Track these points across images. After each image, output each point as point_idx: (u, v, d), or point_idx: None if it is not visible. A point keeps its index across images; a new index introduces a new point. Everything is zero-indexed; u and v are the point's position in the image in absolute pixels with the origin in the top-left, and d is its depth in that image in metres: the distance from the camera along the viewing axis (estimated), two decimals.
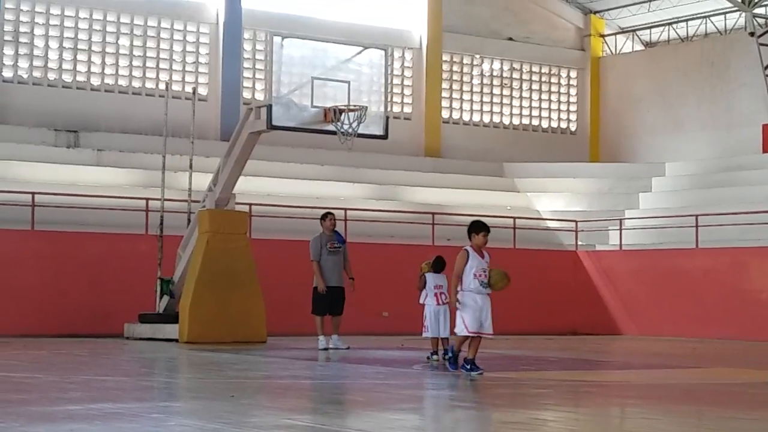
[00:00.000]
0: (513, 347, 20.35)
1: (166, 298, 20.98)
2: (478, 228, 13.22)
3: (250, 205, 23.34)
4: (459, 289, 12.95)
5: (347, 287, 18.70)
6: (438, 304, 15.59)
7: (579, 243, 28.38)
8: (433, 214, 26.78)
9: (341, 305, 18.67)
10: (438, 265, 15.85)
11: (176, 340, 19.90)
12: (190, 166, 21.80)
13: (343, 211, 24.99)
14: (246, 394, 11.19)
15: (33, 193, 22.48)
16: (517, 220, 27.70)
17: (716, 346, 21.98)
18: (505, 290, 27.71)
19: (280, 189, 27.12)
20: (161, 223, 21.50)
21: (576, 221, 28.65)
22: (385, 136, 19.65)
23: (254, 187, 25.75)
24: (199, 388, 11.93)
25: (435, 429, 8.82)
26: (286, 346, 19.15)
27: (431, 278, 15.69)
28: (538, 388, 12.20)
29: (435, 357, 15.56)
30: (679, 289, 25.94)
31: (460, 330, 12.96)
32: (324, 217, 18.94)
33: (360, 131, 18.87)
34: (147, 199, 23.10)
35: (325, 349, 18.22)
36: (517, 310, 26.17)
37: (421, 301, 15.73)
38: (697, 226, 25.84)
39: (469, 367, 12.99)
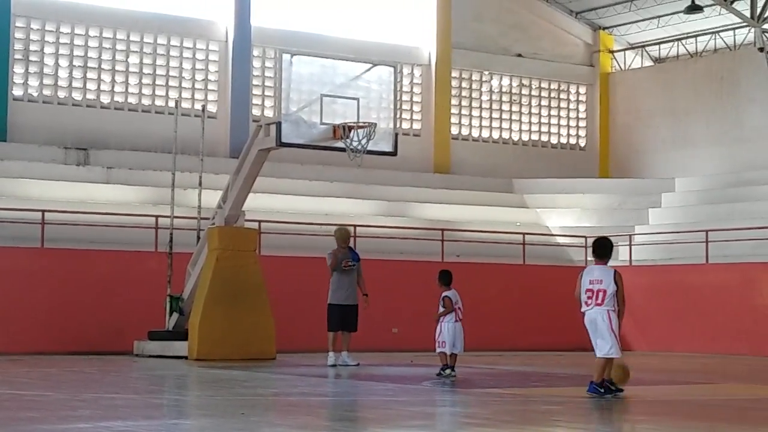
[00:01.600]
0: (523, 363, 20.31)
1: (175, 315, 20.98)
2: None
3: (260, 222, 23.35)
4: (613, 309, 12.38)
5: (361, 304, 18.74)
6: (455, 320, 15.66)
7: (589, 259, 28.28)
8: (443, 230, 26.77)
9: (355, 322, 18.72)
10: (443, 278, 15.87)
11: (186, 357, 19.89)
12: (200, 184, 21.83)
13: (352, 228, 24.99)
14: (256, 411, 11.18)
15: (43, 211, 22.52)
16: (526, 236, 27.67)
17: (727, 361, 21.91)
18: (515, 307, 27.76)
19: (289, 206, 27.13)
20: (171, 241, 21.51)
21: (586, 237, 28.58)
22: (394, 153, 19.69)
23: (263, 204, 25.76)
24: (208, 406, 11.91)
25: None
26: (296, 363, 19.14)
27: (453, 296, 15.74)
28: (548, 404, 12.16)
29: (447, 371, 15.61)
30: (690, 305, 25.88)
31: (617, 351, 12.39)
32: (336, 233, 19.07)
33: (369, 148, 18.89)
34: (157, 217, 23.12)
35: (334, 365, 18.23)
36: (526, 326, 26.16)
37: (439, 318, 15.71)
38: (707, 242, 25.79)
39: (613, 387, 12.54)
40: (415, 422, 10.25)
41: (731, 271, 25.42)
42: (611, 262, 12.79)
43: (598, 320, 12.33)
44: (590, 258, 28.03)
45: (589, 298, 12.40)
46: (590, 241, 28.08)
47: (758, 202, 28.46)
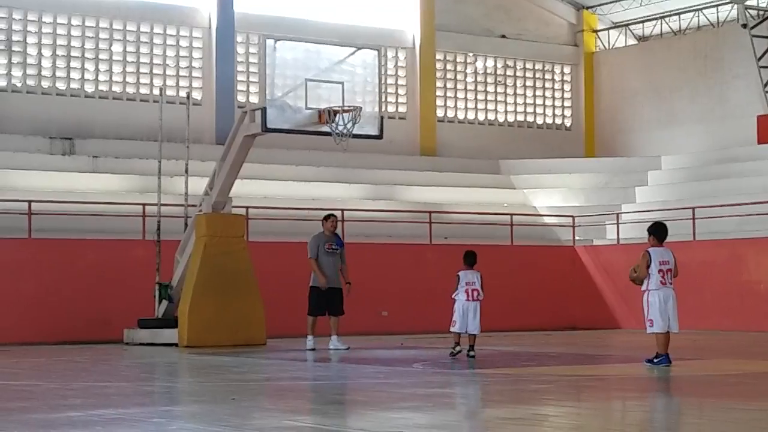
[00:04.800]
0: (513, 343, 20.37)
1: (164, 303, 20.97)
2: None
3: (247, 208, 23.34)
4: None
5: (344, 289, 18.78)
6: (468, 299, 15.62)
7: (576, 238, 28.40)
8: (430, 212, 26.79)
9: (340, 306, 18.77)
10: (469, 259, 15.89)
11: (176, 345, 19.90)
12: (186, 171, 21.79)
13: (340, 212, 24.99)
14: (247, 396, 11.21)
15: (29, 201, 22.47)
16: (514, 216, 27.70)
17: (715, 337, 22.01)
18: (504, 287, 27.77)
19: (276, 191, 27.12)
20: (158, 228, 21.49)
21: (573, 216, 28.67)
22: (380, 136, 19.70)
23: (251, 190, 25.75)
24: (199, 392, 11.94)
25: (436, 427, 8.83)
26: (286, 348, 19.17)
27: (463, 275, 15.75)
28: (538, 383, 12.21)
29: (458, 349, 15.63)
30: (677, 282, 25.81)
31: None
32: (326, 218, 19.04)
33: (355, 132, 18.90)
34: (144, 205, 23.09)
35: (313, 349, 18.24)
36: (516, 306, 26.22)
37: (453, 296, 15.77)
38: (693, 219, 25.86)
39: (656, 360, 13.84)
40: (405, 404, 10.29)
41: (718, 247, 25.49)
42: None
43: (672, 299, 13.87)
44: (578, 238, 28.30)
45: (662, 277, 13.80)
46: (578, 220, 28.42)
47: (744, 178, 28.51)
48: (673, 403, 10.25)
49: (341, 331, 18.92)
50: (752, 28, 31.16)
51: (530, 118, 34.84)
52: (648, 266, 13.83)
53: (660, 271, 13.82)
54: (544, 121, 35.06)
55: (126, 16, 28.84)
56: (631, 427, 8.84)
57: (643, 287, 13.96)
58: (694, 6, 33.65)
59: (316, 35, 26.33)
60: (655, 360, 13.86)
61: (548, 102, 35.19)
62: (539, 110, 35.02)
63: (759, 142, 30.63)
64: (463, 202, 29.22)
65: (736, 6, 31.70)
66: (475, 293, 15.68)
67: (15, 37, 27.66)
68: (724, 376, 13.26)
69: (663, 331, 13.83)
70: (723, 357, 16.62)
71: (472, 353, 15.63)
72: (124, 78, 28.78)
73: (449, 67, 33.72)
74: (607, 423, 9.18)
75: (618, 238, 27.61)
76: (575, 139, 35.20)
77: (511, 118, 34.54)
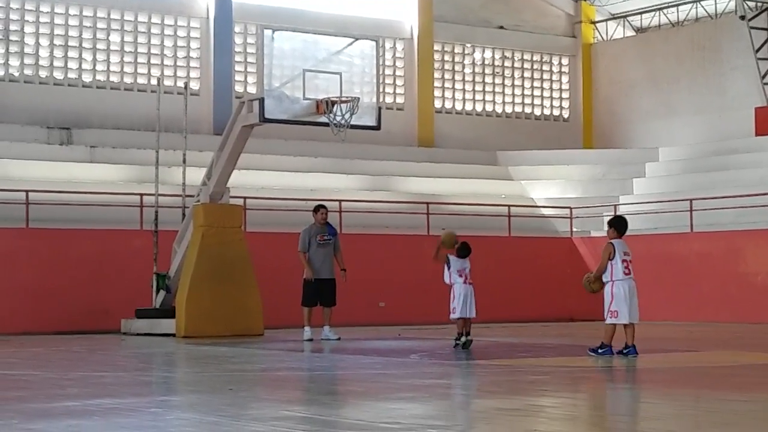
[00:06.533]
0: (510, 334, 20.39)
1: (162, 293, 20.98)
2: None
3: (245, 198, 23.33)
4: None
5: (339, 278, 18.77)
6: (465, 283, 15.63)
7: (574, 230, 28.40)
8: (428, 203, 26.80)
9: (332, 297, 18.76)
10: (462, 251, 15.85)
11: (173, 335, 19.91)
12: (184, 161, 21.79)
13: (337, 203, 25.00)
14: (244, 386, 11.22)
15: (27, 191, 22.46)
16: (511, 208, 27.72)
17: (712, 329, 22.03)
18: (502, 278, 27.78)
19: (274, 182, 27.11)
20: (156, 219, 21.49)
21: (570, 208, 28.68)
22: (377, 127, 19.69)
23: (248, 180, 25.74)
24: (197, 382, 11.95)
25: (433, 417, 8.84)
26: (283, 339, 19.19)
27: (455, 262, 15.72)
28: (535, 374, 12.23)
29: (464, 339, 15.58)
30: (675, 274, 25.97)
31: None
32: (316, 210, 19.02)
33: (353, 122, 18.90)
34: (141, 195, 23.09)
35: (310, 339, 18.28)
36: (513, 297, 26.25)
37: (447, 281, 15.71)
38: (691, 211, 25.88)
39: (626, 351, 13.92)
40: (402, 395, 10.30)
41: (715, 239, 25.52)
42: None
43: (635, 290, 14.04)
44: (575, 229, 28.29)
45: (626, 268, 13.98)
46: (576, 212, 28.42)
47: (741, 170, 28.54)
48: (670, 394, 10.27)
49: (337, 321, 18.95)
50: (750, 19, 31.17)
51: (528, 110, 34.84)
52: (611, 258, 14.00)
53: (623, 261, 14.03)
54: (542, 113, 35.05)
55: (124, 5, 28.79)
56: (626, 417, 8.86)
57: (606, 278, 13.99)
58: None
59: (314, 25, 26.31)
60: (600, 350, 13.97)
61: (546, 93, 35.19)
62: (537, 101, 35.01)
63: (757, 134, 30.65)
64: (460, 193, 29.23)
65: None
66: (468, 277, 15.77)
67: (13, 27, 27.62)
68: (720, 367, 13.27)
69: (626, 323, 13.93)
70: (720, 348, 16.63)
71: (470, 338, 15.65)
72: (122, 68, 28.75)
73: (447, 58, 33.70)
74: (603, 414, 9.20)
75: None
76: (573, 131, 35.19)
77: (509, 109, 34.53)
